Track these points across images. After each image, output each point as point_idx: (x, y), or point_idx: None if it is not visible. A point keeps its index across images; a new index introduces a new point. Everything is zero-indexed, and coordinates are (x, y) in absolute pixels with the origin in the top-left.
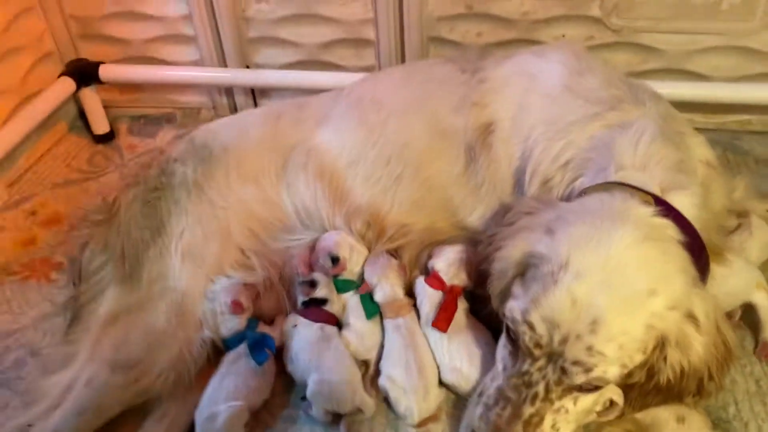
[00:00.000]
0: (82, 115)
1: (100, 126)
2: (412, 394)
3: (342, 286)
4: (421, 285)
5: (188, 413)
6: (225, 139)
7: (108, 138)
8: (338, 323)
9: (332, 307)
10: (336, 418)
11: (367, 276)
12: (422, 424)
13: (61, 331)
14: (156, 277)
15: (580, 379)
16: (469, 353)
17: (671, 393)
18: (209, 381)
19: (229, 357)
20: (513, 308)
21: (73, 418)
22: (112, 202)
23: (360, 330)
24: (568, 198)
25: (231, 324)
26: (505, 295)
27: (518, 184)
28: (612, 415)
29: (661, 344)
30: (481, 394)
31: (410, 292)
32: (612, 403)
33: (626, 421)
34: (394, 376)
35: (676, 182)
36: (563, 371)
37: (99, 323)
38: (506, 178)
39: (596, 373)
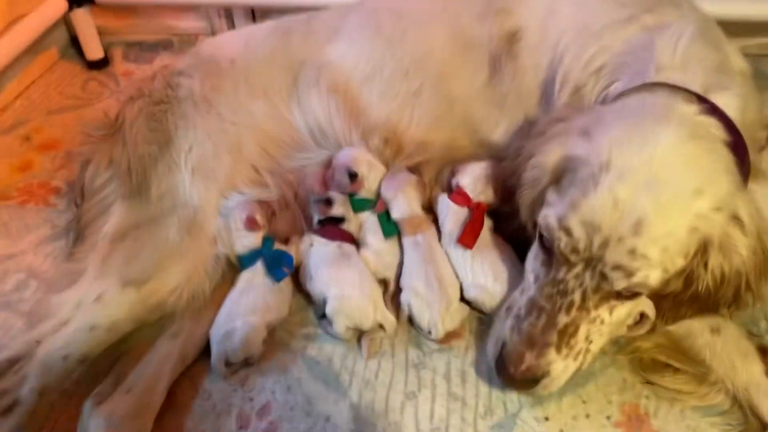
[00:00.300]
0: (74, 42)
1: (94, 51)
2: (435, 306)
3: (359, 205)
4: (444, 202)
5: (203, 331)
6: (232, 52)
7: (102, 64)
8: (355, 242)
9: (349, 226)
10: (356, 334)
11: (383, 191)
12: (445, 340)
13: (64, 254)
14: (165, 192)
15: (620, 284)
16: (494, 270)
17: (707, 303)
18: (225, 298)
19: (246, 275)
20: (547, 215)
21: (83, 334)
22: (115, 118)
23: (378, 249)
24: (602, 104)
25: (246, 241)
26: (537, 204)
27: (546, 95)
28: (643, 330)
29: (703, 248)
30: (509, 308)
31: (430, 210)
32: (643, 316)
33: (657, 334)
34: (417, 288)
35: (718, 83)
36: (603, 277)
37: (106, 240)
38: (532, 89)
39: (638, 277)
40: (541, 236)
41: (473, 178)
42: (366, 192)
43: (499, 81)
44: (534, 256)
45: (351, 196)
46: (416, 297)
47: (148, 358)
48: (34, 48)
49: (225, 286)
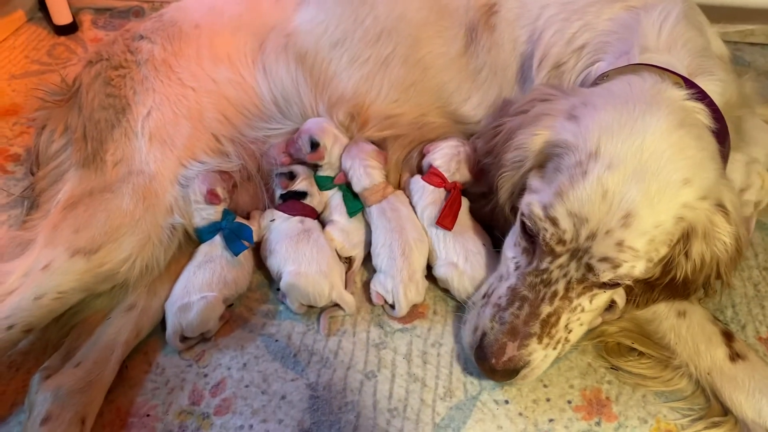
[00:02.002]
0: (42, 6)
1: (62, 16)
2: (397, 277)
3: (323, 182)
4: (419, 183)
5: (159, 305)
6: (196, 17)
7: (70, 30)
8: (318, 218)
9: (312, 201)
10: (312, 309)
11: (342, 161)
12: (408, 319)
13: (18, 223)
14: (121, 159)
15: (607, 276)
16: (466, 250)
17: (680, 289)
18: (182, 272)
19: (204, 248)
20: (532, 203)
21: (28, 303)
22: (72, 82)
23: (345, 227)
24: (583, 84)
25: (205, 213)
26: (517, 187)
27: (523, 70)
28: (613, 317)
29: (686, 236)
30: (487, 296)
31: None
32: (612, 303)
33: (623, 318)
34: (381, 263)
35: (702, 67)
36: (589, 268)
37: (58, 208)
38: (508, 63)
39: (624, 269)
40: (523, 223)
41: (447, 158)
42: (329, 168)
43: (475, 52)
44: (514, 243)
45: (315, 170)
46: (381, 273)
47: (100, 331)
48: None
49: (182, 259)
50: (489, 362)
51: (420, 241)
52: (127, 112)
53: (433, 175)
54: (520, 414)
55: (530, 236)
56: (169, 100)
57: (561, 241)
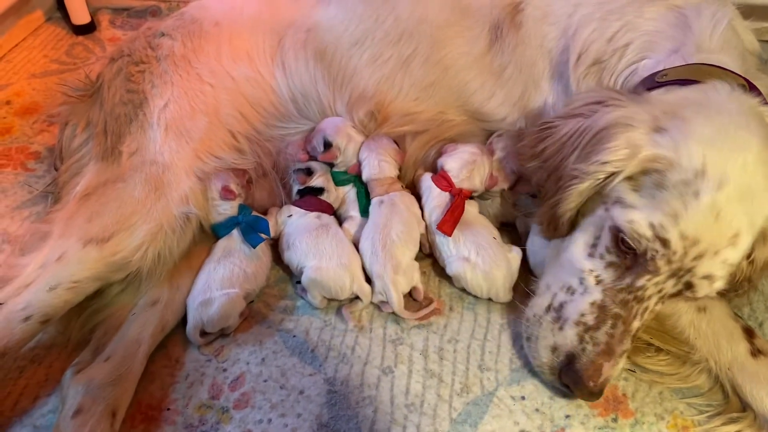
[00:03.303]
0: (60, 6)
1: (80, 16)
2: (385, 275)
3: (340, 179)
4: (427, 182)
5: (182, 299)
6: (217, 14)
7: (88, 29)
8: (335, 213)
9: (329, 197)
10: (331, 303)
11: (360, 154)
12: (425, 317)
13: (40, 218)
14: (136, 150)
15: (704, 291)
16: (477, 244)
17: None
18: (202, 266)
19: (222, 243)
20: (635, 221)
21: (43, 294)
22: (96, 79)
23: (362, 222)
24: (629, 80)
25: (222, 209)
26: (585, 198)
27: (555, 66)
28: None
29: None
30: (553, 309)
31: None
32: None
33: None
34: (364, 260)
35: (750, 71)
36: (688, 286)
37: (74, 199)
38: (535, 60)
39: (719, 284)
40: (617, 237)
41: (460, 164)
42: (344, 166)
43: (499, 50)
44: (589, 254)
45: (331, 167)
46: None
47: (126, 326)
48: (19, 10)
49: (203, 253)
50: (587, 386)
51: (406, 234)
52: (144, 105)
53: (441, 178)
54: (537, 410)
55: (623, 252)
56: (187, 94)
57: (669, 262)
